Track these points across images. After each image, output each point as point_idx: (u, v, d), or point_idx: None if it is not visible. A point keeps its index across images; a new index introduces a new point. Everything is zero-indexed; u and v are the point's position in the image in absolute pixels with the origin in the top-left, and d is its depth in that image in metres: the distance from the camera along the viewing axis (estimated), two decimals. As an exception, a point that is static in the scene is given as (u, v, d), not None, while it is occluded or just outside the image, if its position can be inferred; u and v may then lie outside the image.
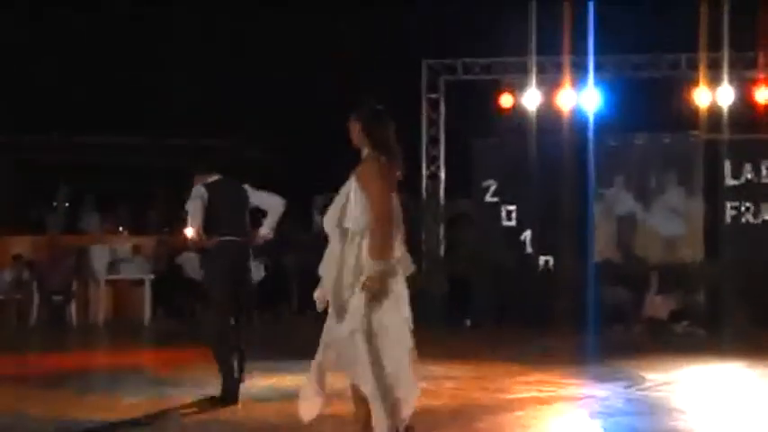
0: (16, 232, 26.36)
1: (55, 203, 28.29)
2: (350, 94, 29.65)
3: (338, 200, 8.73)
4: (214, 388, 13.34)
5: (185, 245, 26.31)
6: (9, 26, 30.09)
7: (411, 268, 8.72)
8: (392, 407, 8.29)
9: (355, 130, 8.95)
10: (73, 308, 24.50)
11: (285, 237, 27.24)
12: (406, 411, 8.43)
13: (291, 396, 12.46)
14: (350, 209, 8.60)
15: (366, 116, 9.00)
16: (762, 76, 24.21)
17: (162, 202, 30.15)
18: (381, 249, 8.33)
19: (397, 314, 8.39)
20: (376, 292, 8.20)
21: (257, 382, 13.98)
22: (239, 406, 11.95)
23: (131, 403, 12.35)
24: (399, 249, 8.55)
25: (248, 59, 31.57)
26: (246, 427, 10.56)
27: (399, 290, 8.45)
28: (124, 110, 29.19)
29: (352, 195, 8.63)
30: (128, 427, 10.73)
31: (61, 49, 30.99)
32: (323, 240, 22.05)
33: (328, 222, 8.69)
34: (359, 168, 8.72)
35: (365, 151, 8.86)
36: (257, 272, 25.57)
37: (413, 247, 24.94)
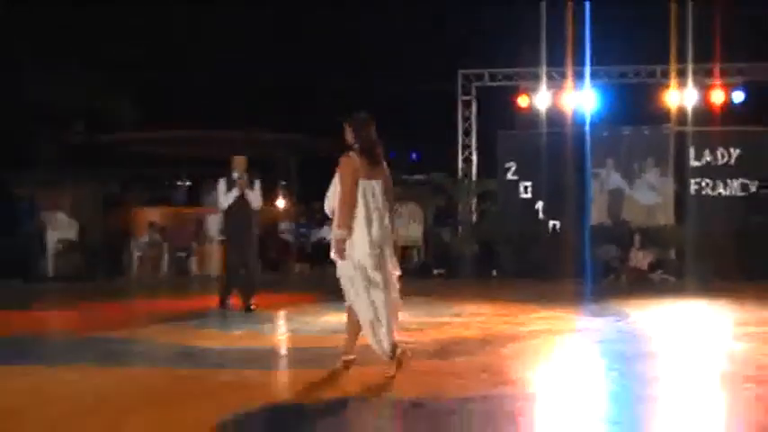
0: (151, 205, 26.59)
1: (179, 183, 28.49)
2: (403, 95, 29.89)
3: (331, 187, 9.26)
4: (298, 323, 13.56)
5: (279, 214, 26.65)
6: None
7: (393, 237, 9.25)
8: (374, 330, 8.90)
9: (348, 133, 9.22)
10: (193, 262, 24.74)
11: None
12: (387, 340, 8.91)
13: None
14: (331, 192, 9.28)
15: (356, 122, 9.26)
16: (717, 82, 24.46)
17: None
18: (340, 222, 8.95)
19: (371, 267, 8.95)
20: (337, 250, 8.97)
21: (332, 318, 14.10)
22: (318, 335, 12.06)
23: (236, 335, 12.48)
24: (378, 224, 9.02)
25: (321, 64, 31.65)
26: (320, 353, 10.55)
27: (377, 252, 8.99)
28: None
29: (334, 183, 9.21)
30: (235, 353, 10.81)
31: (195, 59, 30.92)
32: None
33: (327, 205, 9.35)
34: (340, 161, 9.05)
35: (354, 148, 9.12)
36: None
37: (451, 216, 25.12)
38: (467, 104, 26.93)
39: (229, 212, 15.30)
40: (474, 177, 26.79)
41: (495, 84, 26.76)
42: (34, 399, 8.24)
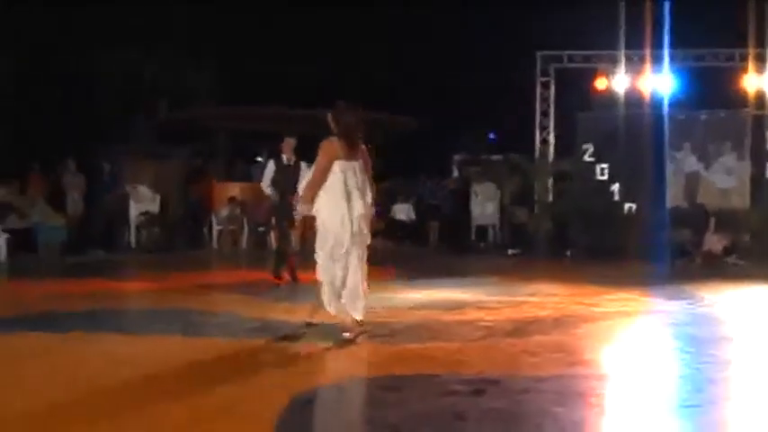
0: (231, 181, 26.78)
1: (259, 159, 28.65)
2: (482, 77, 29.86)
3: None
4: (373, 299, 13.62)
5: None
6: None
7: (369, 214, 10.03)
8: (334, 298, 9.87)
9: (330, 120, 9.96)
10: (272, 236, 24.87)
11: (428, 186, 27.47)
12: (353, 311, 9.89)
13: (434, 306, 12.74)
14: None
15: (336, 110, 10.02)
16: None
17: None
18: (306, 198, 9.87)
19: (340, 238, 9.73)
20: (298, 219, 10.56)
21: (408, 295, 14.18)
22: (394, 311, 12.13)
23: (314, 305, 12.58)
24: (356, 200, 9.77)
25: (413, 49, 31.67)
26: (394, 328, 10.64)
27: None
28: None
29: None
30: (311, 326, 10.89)
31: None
32: (457, 189, 22.18)
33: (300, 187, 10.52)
34: (321, 145, 9.82)
35: (334, 133, 9.89)
36: (410, 213, 25.85)
37: (527, 197, 25.10)
38: (545, 86, 26.87)
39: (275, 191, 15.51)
40: (551, 158, 26.72)
41: (573, 65, 26.65)
42: (117, 367, 8.39)
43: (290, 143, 15.46)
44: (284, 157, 15.42)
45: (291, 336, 10.05)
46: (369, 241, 10.01)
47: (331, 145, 9.75)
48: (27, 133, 26.91)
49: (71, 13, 27.16)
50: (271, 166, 15.59)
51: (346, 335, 9.75)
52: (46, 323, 10.86)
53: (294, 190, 14.66)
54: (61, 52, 26.82)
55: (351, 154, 9.80)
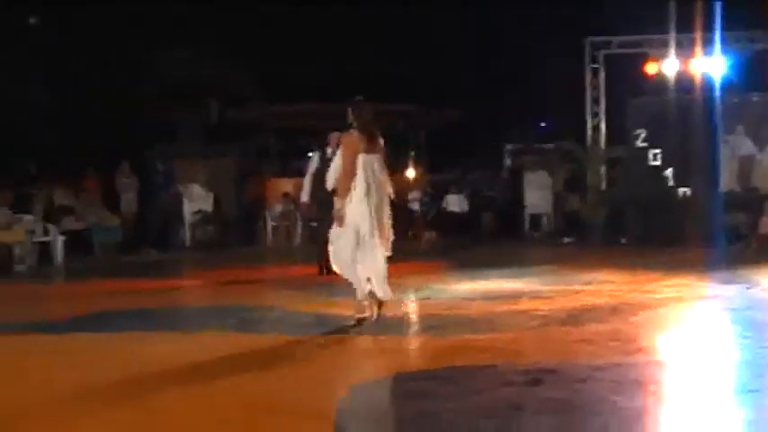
0: (284, 177, 26.87)
1: (310, 154, 28.70)
2: (532, 65, 29.76)
3: (332, 165, 10.64)
4: (429, 291, 13.61)
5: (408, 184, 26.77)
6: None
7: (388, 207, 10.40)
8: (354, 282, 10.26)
9: (349, 115, 10.36)
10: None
11: (483, 176, 27.45)
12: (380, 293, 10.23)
13: (489, 297, 12.72)
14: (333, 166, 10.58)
15: (355, 105, 10.40)
16: None
17: (388, 153, 30.35)
18: (342, 193, 10.05)
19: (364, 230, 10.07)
20: (337, 216, 10.08)
21: (463, 286, 14.17)
22: (449, 302, 12.13)
23: (368, 302, 12.56)
24: (376, 192, 10.11)
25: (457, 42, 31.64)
26: (451, 320, 10.65)
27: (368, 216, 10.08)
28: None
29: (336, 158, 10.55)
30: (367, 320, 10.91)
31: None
32: (511, 178, 22.09)
33: (330, 180, 10.59)
34: (341, 139, 10.45)
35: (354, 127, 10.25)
36: (462, 204, 25.83)
37: (580, 184, 25.01)
38: (595, 72, 26.73)
39: (316, 186, 15.69)
40: (603, 145, 26.60)
41: (623, 51, 26.49)
42: (173, 364, 8.44)
43: (335, 137, 15.55)
44: (329, 150, 15.58)
45: (345, 330, 10.07)
46: (390, 230, 10.37)
47: (352, 138, 10.15)
48: (81, 136, 27.13)
49: (123, 15, 27.35)
50: (315, 160, 16.08)
51: (361, 315, 10.26)
52: (102, 323, 10.99)
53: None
54: (113, 54, 26.99)
55: (370, 147, 10.16)
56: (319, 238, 16.05)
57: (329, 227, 15.60)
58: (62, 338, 9.98)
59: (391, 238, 10.41)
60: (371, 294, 10.24)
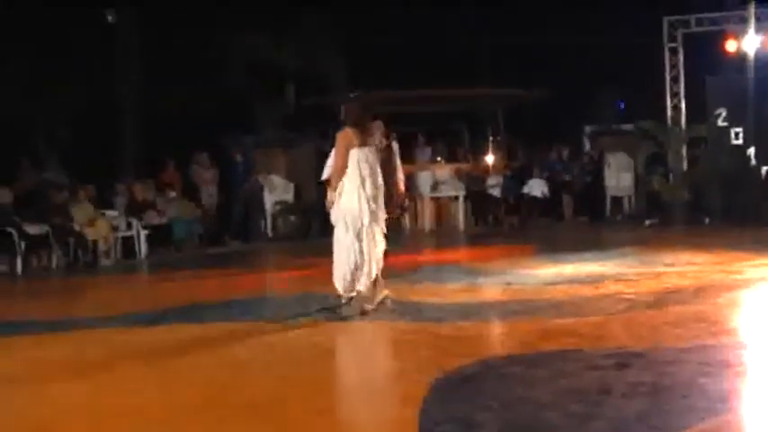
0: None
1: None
2: (609, 46, 29.59)
3: (329, 158, 11.25)
4: (513, 276, 13.70)
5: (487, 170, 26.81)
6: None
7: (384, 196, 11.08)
8: (345, 273, 10.73)
9: (343, 112, 11.11)
10: (407, 218, 25.09)
11: (562, 161, 27.38)
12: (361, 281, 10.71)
13: (574, 281, 12.79)
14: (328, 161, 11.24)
15: (349, 103, 11.26)
16: None
17: (467, 138, 30.40)
18: (333, 185, 10.78)
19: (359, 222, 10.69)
20: (328, 205, 10.89)
21: (547, 270, 14.25)
22: (534, 287, 12.23)
23: (453, 289, 12.70)
24: (371, 183, 10.71)
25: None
26: (536, 305, 10.75)
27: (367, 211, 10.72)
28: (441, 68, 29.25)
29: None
30: (453, 306, 11.04)
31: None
32: (591, 162, 22.30)
33: (326, 172, 11.36)
34: (336, 135, 10.87)
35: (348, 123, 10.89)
36: (544, 188, 25.81)
37: (661, 164, 24.79)
38: (673, 51, 26.54)
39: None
40: (683, 125, 26.43)
41: (701, 29, 26.26)
42: (261, 353, 8.73)
43: (378, 126, 15.86)
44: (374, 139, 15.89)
45: (426, 317, 10.21)
46: (384, 218, 11.03)
47: (346, 134, 10.75)
48: (159, 129, 27.42)
49: (196, 2, 27.56)
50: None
51: (369, 306, 10.63)
52: (187, 315, 11.27)
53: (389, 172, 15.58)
54: (187, 44, 27.18)
55: (363, 141, 10.79)
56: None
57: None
58: (150, 332, 10.27)
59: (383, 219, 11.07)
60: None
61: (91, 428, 6.50)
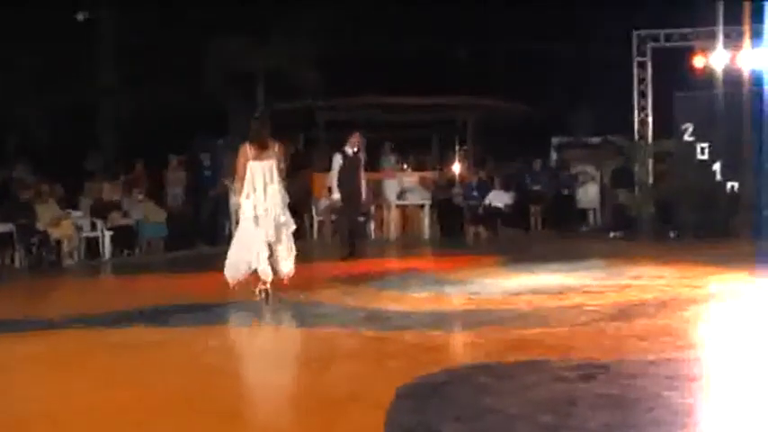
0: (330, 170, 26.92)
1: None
2: (578, 58, 29.66)
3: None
4: (478, 286, 13.70)
5: (453, 179, 26.82)
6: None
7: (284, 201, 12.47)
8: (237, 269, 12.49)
9: (248, 128, 12.63)
10: (372, 226, 25.07)
11: (529, 171, 27.42)
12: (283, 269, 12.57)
13: (538, 291, 12.80)
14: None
15: (252, 121, 12.81)
16: None
17: (436, 147, 30.46)
18: (238, 192, 12.53)
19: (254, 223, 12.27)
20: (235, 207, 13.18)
21: (512, 280, 14.25)
22: (499, 297, 12.23)
23: (418, 297, 12.68)
24: (265, 192, 12.18)
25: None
26: (502, 314, 10.74)
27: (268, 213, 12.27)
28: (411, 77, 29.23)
29: None
30: (419, 315, 11.02)
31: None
32: (558, 172, 22.18)
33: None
34: (239, 149, 12.42)
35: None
36: (507, 199, 25.81)
37: (628, 178, 24.80)
38: (642, 66, 26.66)
39: (340, 183, 18.22)
40: (650, 139, 26.53)
41: (670, 44, 26.40)
42: (228, 359, 8.66)
43: (356, 136, 18.35)
44: (348, 149, 18.16)
45: (395, 325, 10.19)
46: (289, 222, 12.54)
47: (244, 148, 12.31)
48: (131, 130, 27.38)
49: (175, 8, 27.49)
50: (338, 158, 18.20)
51: (261, 288, 12.19)
52: (149, 317, 11.23)
53: (354, 179, 18.10)
54: (163, 47, 27.12)
55: (260, 155, 12.23)
56: (341, 228, 19.33)
57: (353, 217, 18.44)
58: (112, 333, 10.18)
59: (292, 227, 12.70)
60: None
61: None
